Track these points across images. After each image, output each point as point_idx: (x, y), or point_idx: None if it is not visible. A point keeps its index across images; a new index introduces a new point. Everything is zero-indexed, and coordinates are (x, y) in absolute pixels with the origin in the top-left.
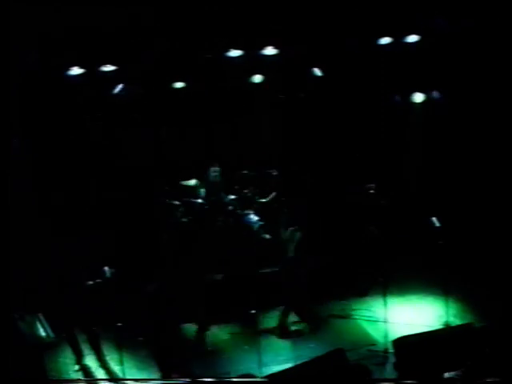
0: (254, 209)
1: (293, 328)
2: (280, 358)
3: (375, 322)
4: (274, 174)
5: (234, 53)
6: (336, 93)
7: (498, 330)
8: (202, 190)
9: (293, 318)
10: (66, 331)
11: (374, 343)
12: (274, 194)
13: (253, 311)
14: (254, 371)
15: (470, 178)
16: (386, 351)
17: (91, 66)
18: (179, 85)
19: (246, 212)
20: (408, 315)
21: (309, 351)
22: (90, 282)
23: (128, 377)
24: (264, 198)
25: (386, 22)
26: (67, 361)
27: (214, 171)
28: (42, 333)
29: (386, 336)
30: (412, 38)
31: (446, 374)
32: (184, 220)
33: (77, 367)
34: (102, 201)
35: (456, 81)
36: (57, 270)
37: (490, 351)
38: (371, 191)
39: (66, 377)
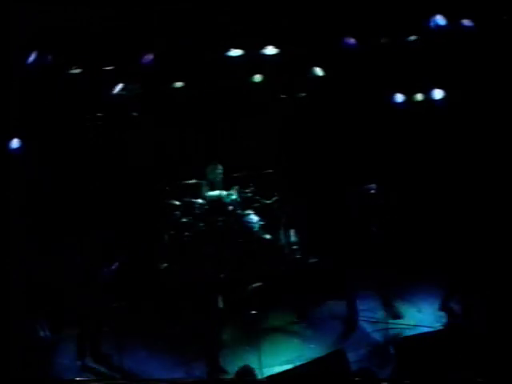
0: (254, 209)
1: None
2: (280, 358)
3: (375, 323)
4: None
5: (234, 52)
6: (336, 93)
7: (498, 331)
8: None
9: (293, 318)
10: (79, 327)
11: (374, 344)
12: (276, 197)
13: (253, 311)
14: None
15: (470, 178)
16: (386, 352)
17: (91, 66)
18: (179, 85)
19: (246, 212)
20: (408, 315)
21: (309, 352)
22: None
23: (127, 377)
24: (267, 199)
25: (385, 22)
26: (67, 361)
27: (217, 170)
28: (42, 333)
29: (386, 336)
30: (413, 38)
31: (447, 375)
32: (184, 220)
33: (79, 363)
34: (101, 201)
35: (457, 80)
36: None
37: (485, 353)
38: (372, 191)
39: (66, 377)
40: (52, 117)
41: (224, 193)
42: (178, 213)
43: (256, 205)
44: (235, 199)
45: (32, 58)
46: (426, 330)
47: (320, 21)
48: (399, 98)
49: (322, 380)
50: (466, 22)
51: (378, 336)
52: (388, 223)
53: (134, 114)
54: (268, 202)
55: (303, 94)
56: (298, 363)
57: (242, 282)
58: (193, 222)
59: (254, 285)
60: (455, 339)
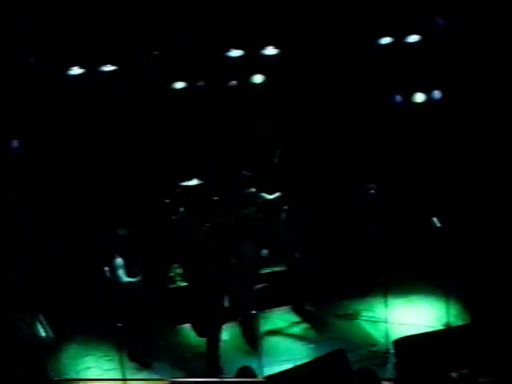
0: (256, 207)
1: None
2: (280, 358)
3: (376, 323)
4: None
5: (234, 53)
6: (336, 93)
7: (497, 330)
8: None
9: (293, 318)
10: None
11: (374, 344)
12: (278, 193)
13: (253, 311)
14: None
15: (470, 178)
16: (386, 352)
17: (91, 66)
18: (179, 85)
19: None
20: (409, 316)
21: (309, 351)
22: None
23: (128, 377)
24: (269, 194)
25: (385, 22)
26: (67, 361)
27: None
28: (42, 333)
29: (386, 336)
30: (412, 38)
31: (447, 375)
32: (187, 220)
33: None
34: (102, 201)
35: (457, 81)
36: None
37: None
38: (372, 191)
39: (67, 377)
40: (52, 117)
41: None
42: (179, 213)
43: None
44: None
45: (32, 58)
46: (425, 329)
47: (320, 21)
48: (399, 98)
49: (322, 380)
50: (466, 23)
51: (378, 336)
52: (388, 223)
53: (134, 114)
54: (270, 197)
55: (302, 94)
56: (298, 363)
57: (246, 281)
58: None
59: (259, 286)
60: (455, 339)
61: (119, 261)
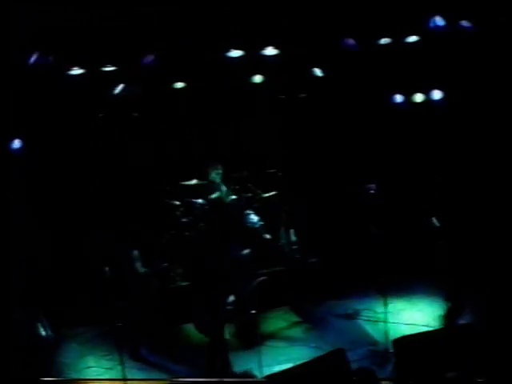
0: (254, 208)
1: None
2: (280, 358)
3: (376, 323)
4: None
5: (234, 53)
6: (336, 93)
7: (498, 330)
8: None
9: (293, 318)
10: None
11: (374, 343)
12: (274, 192)
13: (253, 311)
14: (255, 371)
15: (470, 178)
16: (386, 351)
17: (91, 66)
18: (179, 85)
19: (246, 212)
20: (409, 315)
21: (309, 351)
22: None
23: (128, 377)
24: (266, 193)
25: (385, 22)
26: (67, 361)
27: (216, 171)
28: (42, 333)
29: (386, 336)
30: (411, 39)
31: (447, 375)
32: (184, 220)
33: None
34: (102, 201)
35: (456, 81)
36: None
37: (485, 353)
38: (372, 191)
39: (67, 377)
40: (53, 117)
41: (224, 193)
42: (178, 213)
43: (256, 205)
44: (234, 199)
45: (33, 58)
46: (425, 329)
47: (320, 21)
48: (399, 98)
49: (321, 379)
50: (465, 23)
51: (377, 336)
52: (388, 223)
53: (134, 114)
54: (266, 195)
55: (303, 95)
56: (298, 363)
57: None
58: (193, 221)
59: (259, 279)
60: (455, 339)
61: (136, 253)
